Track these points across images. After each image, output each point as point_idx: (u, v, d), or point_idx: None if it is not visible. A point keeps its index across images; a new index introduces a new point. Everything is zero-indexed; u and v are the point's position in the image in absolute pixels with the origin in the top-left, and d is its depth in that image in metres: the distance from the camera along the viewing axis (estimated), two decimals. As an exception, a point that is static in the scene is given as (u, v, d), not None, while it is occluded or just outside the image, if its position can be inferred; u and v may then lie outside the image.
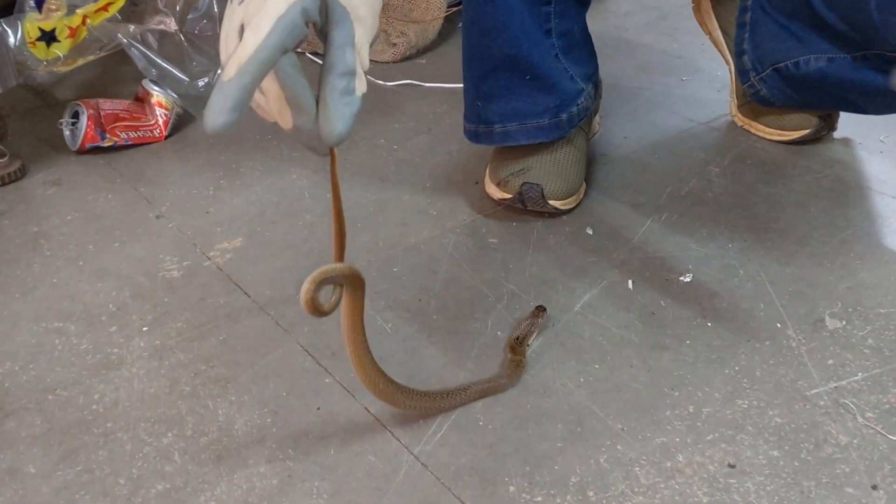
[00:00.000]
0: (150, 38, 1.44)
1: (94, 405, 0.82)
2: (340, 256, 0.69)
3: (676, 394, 0.81)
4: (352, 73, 0.60)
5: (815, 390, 0.80)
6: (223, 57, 0.60)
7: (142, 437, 0.78)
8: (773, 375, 0.82)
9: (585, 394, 0.81)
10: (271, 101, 0.62)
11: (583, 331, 0.89)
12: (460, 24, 1.76)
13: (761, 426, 0.77)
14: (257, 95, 0.62)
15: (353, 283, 0.69)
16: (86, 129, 1.26)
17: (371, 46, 0.63)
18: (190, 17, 1.46)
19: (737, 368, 0.83)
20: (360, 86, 0.61)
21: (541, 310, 0.89)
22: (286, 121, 0.62)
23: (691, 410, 0.79)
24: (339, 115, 0.59)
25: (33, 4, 1.35)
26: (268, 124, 0.65)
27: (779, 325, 0.89)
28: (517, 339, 0.85)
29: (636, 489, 0.71)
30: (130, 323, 0.93)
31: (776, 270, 0.97)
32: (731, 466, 0.73)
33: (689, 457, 0.74)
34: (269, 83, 0.61)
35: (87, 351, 0.90)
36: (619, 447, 0.75)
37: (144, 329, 0.92)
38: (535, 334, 0.87)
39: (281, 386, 0.84)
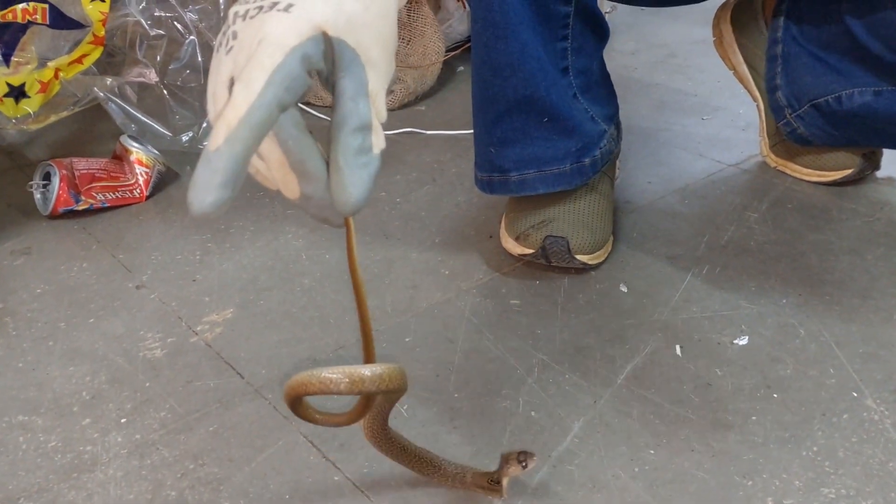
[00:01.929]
0: (129, 92, 1.34)
1: (62, 517, 0.70)
2: (369, 353, 0.56)
3: (749, 483, 0.69)
4: (367, 128, 0.49)
5: (912, 473, 0.68)
6: (211, 117, 0.48)
7: (119, 556, 0.66)
8: (858, 456, 0.71)
9: (643, 486, 0.69)
10: (273, 169, 0.50)
11: (630, 408, 0.77)
12: (460, 69, 1.67)
13: (855, 521, 0.65)
14: (255, 161, 0.51)
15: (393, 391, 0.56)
16: (58, 192, 1.14)
17: (388, 94, 0.52)
18: (171, 67, 1.35)
19: (815, 449, 0.72)
20: (378, 142, 0.50)
21: (526, 457, 0.64)
22: (292, 190, 0.51)
23: None
24: (355, 180, 0.48)
25: (0, 58, 1.24)
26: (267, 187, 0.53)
27: (855, 395, 0.77)
28: (490, 480, 0.67)
29: None
30: (106, 414, 0.81)
31: (841, 329, 0.86)
32: (829, 574, 0.61)
33: (776, 564, 0.62)
34: (269, 147, 0.49)
35: (55, 450, 0.77)
36: (690, 554, 0.63)
37: (123, 421, 0.80)
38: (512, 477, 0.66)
39: (283, 486, 0.71)
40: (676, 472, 0.70)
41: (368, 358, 0.56)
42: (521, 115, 0.95)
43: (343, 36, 0.48)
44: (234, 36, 0.47)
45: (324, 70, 0.48)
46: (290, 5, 0.47)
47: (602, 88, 1.04)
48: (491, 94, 0.94)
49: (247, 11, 0.48)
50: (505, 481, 0.65)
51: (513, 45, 0.90)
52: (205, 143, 0.45)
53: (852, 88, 1.02)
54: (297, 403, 0.58)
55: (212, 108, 0.48)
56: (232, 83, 0.47)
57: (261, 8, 0.47)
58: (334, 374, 0.53)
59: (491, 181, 1.00)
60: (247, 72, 0.45)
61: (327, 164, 0.49)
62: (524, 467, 0.63)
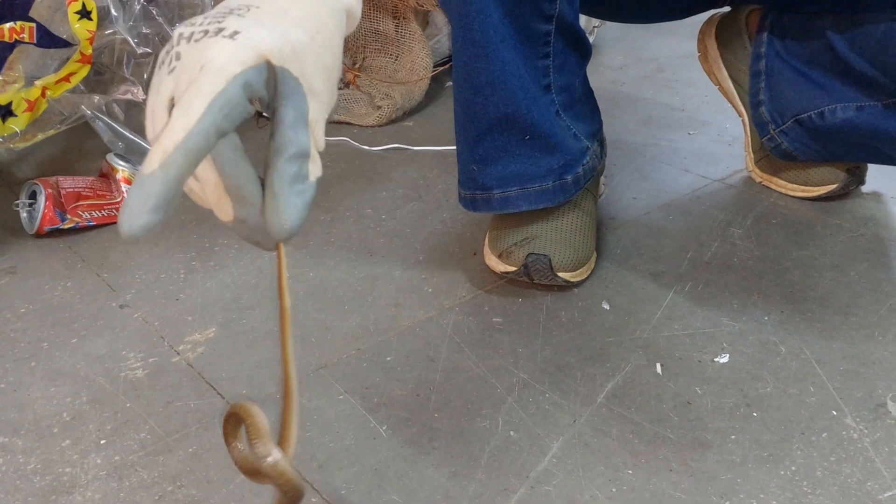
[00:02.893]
0: (116, 109, 1.35)
1: (39, 540, 0.70)
2: (287, 426, 0.51)
3: (727, 503, 0.68)
4: (305, 156, 0.49)
5: (889, 493, 0.68)
6: (149, 137, 0.48)
7: (94, 580, 0.66)
8: (836, 476, 0.70)
9: (620, 507, 0.69)
10: (208, 191, 0.50)
11: (609, 428, 0.77)
12: (448, 84, 1.67)
13: (832, 541, 0.65)
14: (191, 181, 0.51)
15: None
16: (44, 211, 1.15)
17: (326, 123, 0.52)
18: (159, 84, 1.35)
19: (793, 468, 0.71)
20: (315, 170, 0.50)
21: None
22: (226, 213, 0.51)
23: (747, 524, 0.67)
24: (289, 207, 0.48)
25: (-13, 77, 1.25)
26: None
27: (835, 413, 0.77)
28: None
29: None
30: (86, 435, 0.81)
31: (822, 346, 0.86)
32: None
33: (751, 585, 0.62)
34: (205, 170, 0.49)
35: (34, 471, 0.77)
36: (666, 575, 0.63)
37: (102, 442, 0.80)
38: None
39: (260, 508, 0.71)
40: (654, 493, 0.70)
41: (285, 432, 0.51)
42: (503, 133, 0.95)
43: (287, 64, 0.48)
44: (178, 57, 0.47)
45: (265, 97, 0.48)
46: (236, 32, 0.47)
47: (585, 106, 1.04)
48: (472, 113, 0.94)
49: (192, 34, 0.48)
50: None
51: (493, 63, 0.90)
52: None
53: (835, 104, 1.03)
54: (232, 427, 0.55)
55: (150, 126, 0.48)
56: (172, 104, 0.47)
57: (206, 32, 0.47)
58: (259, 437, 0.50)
59: (474, 199, 1.00)
60: (187, 97, 0.45)
61: (263, 189, 0.49)
62: None
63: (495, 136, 0.95)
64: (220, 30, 0.47)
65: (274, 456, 0.48)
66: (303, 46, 0.49)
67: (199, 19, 0.49)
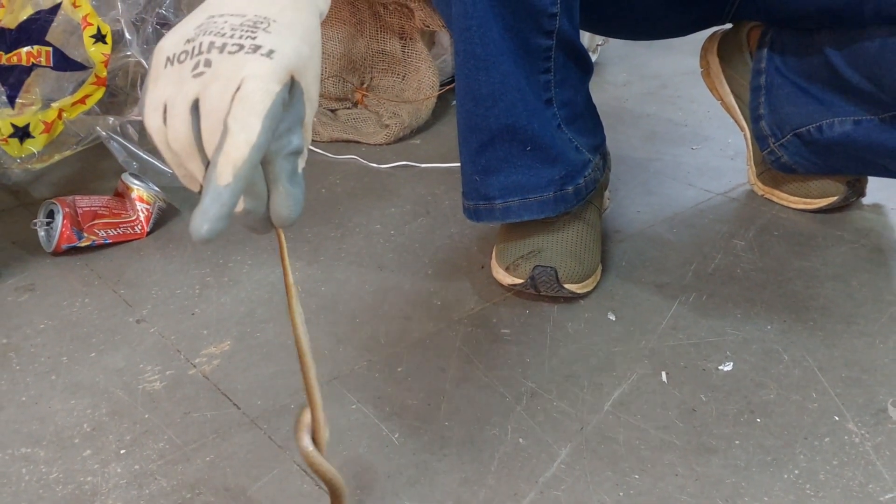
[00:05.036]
0: (131, 130, 1.37)
1: (62, 547, 0.72)
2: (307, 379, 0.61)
3: (731, 506, 0.70)
4: (300, 153, 0.55)
5: (890, 495, 0.70)
6: (154, 130, 0.53)
7: (117, 584, 0.68)
8: (839, 479, 0.72)
9: (627, 510, 0.71)
10: (198, 173, 0.55)
11: (616, 434, 0.79)
12: (454, 103, 1.70)
13: (834, 541, 0.66)
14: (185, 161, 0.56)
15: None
16: (61, 229, 1.17)
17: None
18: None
19: (797, 472, 0.73)
20: (302, 163, 0.56)
21: None
22: (238, 206, 0.55)
23: (751, 525, 0.68)
24: (293, 199, 0.54)
25: (5, 100, 1.28)
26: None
27: (837, 418, 0.79)
28: None
29: None
30: (106, 445, 0.83)
31: (824, 354, 0.87)
32: None
33: (756, 584, 0.63)
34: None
35: (57, 481, 0.79)
36: (672, 575, 0.65)
37: (122, 452, 0.82)
38: None
39: (277, 514, 0.73)
40: (660, 497, 0.72)
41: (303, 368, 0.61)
42: (505, 144, 0.97)
43: (298, 77, 0.53)
44: (208, 63, 0.51)
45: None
46: (272, 51, 0.51)
47: (588, 121, 1.07)
48: (474, 124, 0.97)
49: (224, 45, 0.52)
50: None
51: (494, 75, 0.93)
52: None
53: (833, 118, 1.05)
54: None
55: (154, 121, 0.53)
56: (196, 107, 0.51)
57: (241, 47, 0.51)
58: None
59: (477, 209, 1.02)
60: (243, 115, 0.50)
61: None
62: None
63: (497, 146, 0.97)
64: (257, 47, 0.51)
65: (305, 446, 0.53)
66: (308, 60, 0.54)
67: (220, 27, 0.53)
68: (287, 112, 0.53)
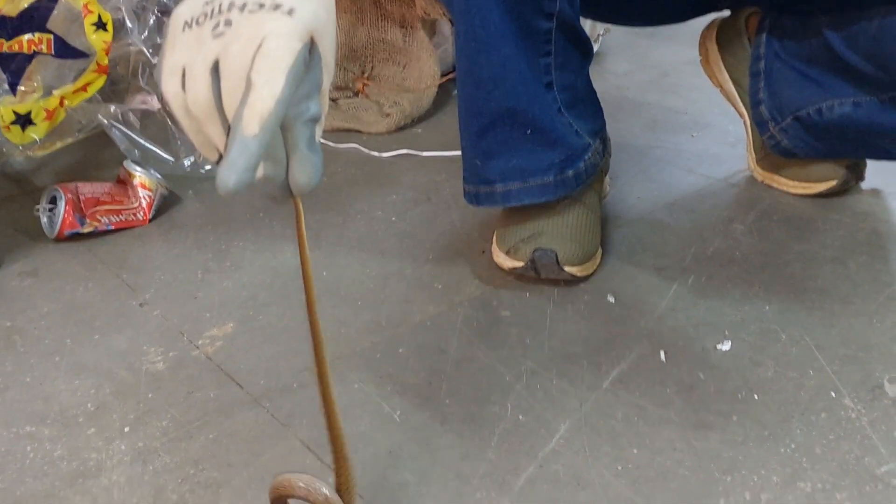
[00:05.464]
0: (132, 118, 1.38)
1: (67, 521, 0.72)
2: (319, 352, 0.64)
3: (729, 479, 0.71)
4: (317, 120, 0.55)
5: (885, 468, 0.71)
6: (171, 96, 0.53)
7: (121, 557, 0.68)
8: (835, 453, 0.73)
9: (625, 484, 0.71)
10: (217, 138, 0.55)
11: (615, 411, 0.80)
12: (455, 92, 1.70)
13: (831, 513, 0.67)
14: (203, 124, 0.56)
15: None
16: (64, 215, 1.18)
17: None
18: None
19: (793, 446, 0.74)
20: (320, 131, 0.57)
21: None
22: (258, 172, 0.56)
23: (748, 498, 0.69)
24: (312, 165, 0.54)
25: (7, 87, 1.28)
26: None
27: (833, 395, 0.79)
28: None
29: None
30: (110, 424, 0.84)
31: (822, 333, 0.88)
32: (803, 563, 0.63)
33: (753, 554, 0.64)
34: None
35: (61, 457, 0.80)
36: (670, 546, 0.65)
37: (126, 430, 0.83)
38: None
39: (279, 489, 0.74)
40: (658, 470, 0.72)
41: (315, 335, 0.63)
42: (505, 128, 0.98)
43: (316, 40, 0.53)
44: (228, 23, 0.51)
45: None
46: (292, 9, 0.51)
47: (588, 105, 1.07)
48: (475, 107, 0.98)
49: (244, 4, 0.52)
50: None
51: (494, 58, 0.93)
52: (238, 131, 0.50)
53: (832, 100, 1.05)
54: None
55: (171, 86, 0.53)
56: (215, 66, 0.51)
57: (261, 5, 0.51)
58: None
59: (477, 193, 1.03)
60: (266, 69, 0.50)
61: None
62: None
63: (497, 130, 0.98)
64: (277, 6, 0.51)
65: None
66: (325, 24, 0.54)
67: None
68: (306, 77, 0.53)
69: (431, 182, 1.33)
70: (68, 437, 0.82)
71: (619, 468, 0.73)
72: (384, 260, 1.11)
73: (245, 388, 0.87)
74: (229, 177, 0.48)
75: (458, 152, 1.06)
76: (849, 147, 1.11)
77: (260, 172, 0.54)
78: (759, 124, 1.16)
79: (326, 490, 0.61)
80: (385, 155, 1.44)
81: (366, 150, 1.46)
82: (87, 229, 1.20)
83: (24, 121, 1.27)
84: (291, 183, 0.55)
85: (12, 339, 0.99)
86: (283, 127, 0.53)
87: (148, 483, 0.76)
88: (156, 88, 1.39)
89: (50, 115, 1.30)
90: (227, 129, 0.52)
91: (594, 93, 1.10)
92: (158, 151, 1.36)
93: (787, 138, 1.13)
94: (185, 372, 0.91)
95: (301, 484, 0.62)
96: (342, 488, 0.62)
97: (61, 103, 1.30)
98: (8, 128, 1.26)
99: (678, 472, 0.72)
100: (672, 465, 0.73)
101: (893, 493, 0.68)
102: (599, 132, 1.09)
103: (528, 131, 0.97)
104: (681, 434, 0.76)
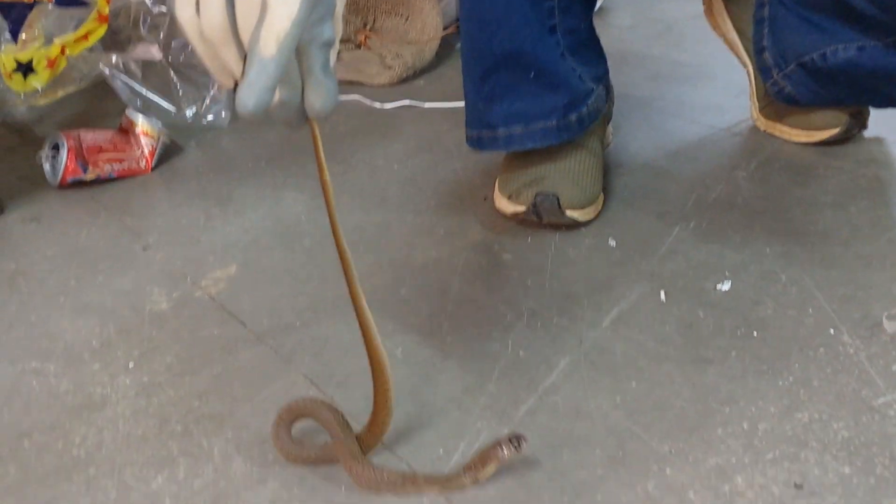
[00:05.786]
0: (134, 67, 1.38)
1: (74, 450, 0.73)
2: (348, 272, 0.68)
3: (727, 410, 0.72)
4: (331, 45, 0.55)
5: (882, 399, 0.71)
6: (185, 20, 0.53)
7: (128, 482, 0.69)
8: (832, 385, 0.73)
9: (623, 414, 0.72)
10: (233, 62, 0.55)
11: (614, 347, 0.80)
12: (458, 45, 1.70)
13: (826, 441, 0.68)
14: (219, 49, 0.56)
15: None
16: (66, 162, 1.18)
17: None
18: (174, 44, 1.38)
19: (791, 379, 0.75)
20: (334, 56, 0.57)
21: (516, 441, 0.65)
22: (229, 81, 0.56)
23: (745, 427, 0.70)
24: (327, 89, 0.55)
25: (8, 36, 1.28)
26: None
27: (832, 332, 0.80)
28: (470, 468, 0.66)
29: (693, 519, 0.62)
30: (115, 360, 0.85)
31: (821, 274, 0.88)
32: (798, 487, 0.64)
33: (749, 478, 0.65)
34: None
35: (67, 392, 0.81)
36: (668, 471, 0.66)
37: (131, 366, 0.84)
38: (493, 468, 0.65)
39: (282, 421, 0.75)
40: (656, 402, 0.73)
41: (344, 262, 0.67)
42: (508, 71, 0.98)
43: None
44: None
45: None
46: None
47: (591, 50, 1.07)
48: (478, 50, 0.97)
49: None
50: (492, 467, 0.65)
51: (498, 0, 0.93)
52: (257, 52, 0.50)
53: (836, 45, 1.05)
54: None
55: (186, 8, 0.52)
56: None
57: None
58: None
59: (480, 137, 1.03)
60: None
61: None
62: (517, 448, 0.64)
63: (501, 73, 0.98)
64: None
65: None
66: None
67: None
68: (320, 1, 0.53)
69: (433, 132, 1.33)
70: (73, 373, 0.83)
71: (618, 400, 0.74)
72: (386, 207, 1.11)
73: (248, 326, 0.88)
74: (249, 98, 0.49)
75: (461, 104, 1.06)
76: (852, 93, 1.10)
77: (276, 97, 0.55)
78: (762, 71, 1.16)
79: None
80: (387, 106, 1.44)
81: (368, 102, 1.46)
82: (89, 177, 1.20)
83: (25, 69, 1.27)
84: (307, 107, 0.56)
85: (16, 281, 1.00)
86: (297, 51, 0.53)
87: (153, 415, 0.77)
88: (157, 37, 1.39)
89: (51, 63, 1.30)
90: (243, 53, 0.52)
91: (597, 39, 1.10)
92: (160, 101, 1.37)
93: (790, 85, 1.12)
94: (189, 311, 0.91)
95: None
96: (379, 407, 0.67)
97: (62, 52, 1.30)
98: (10, 76, 1.26)
99: (676, 404, 0.73)
100: (670, 397, 0.74)
101: (890, 423, 0.69)
102: (602, 78, 1.09)
103: (532, 74, 0.97)
104: (679, 369, 0.77)
